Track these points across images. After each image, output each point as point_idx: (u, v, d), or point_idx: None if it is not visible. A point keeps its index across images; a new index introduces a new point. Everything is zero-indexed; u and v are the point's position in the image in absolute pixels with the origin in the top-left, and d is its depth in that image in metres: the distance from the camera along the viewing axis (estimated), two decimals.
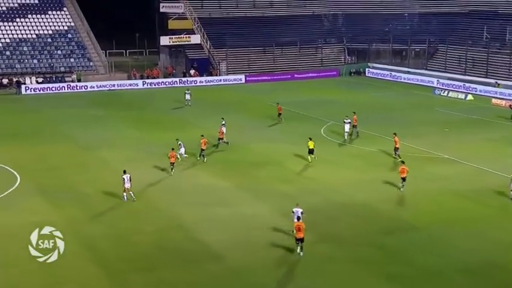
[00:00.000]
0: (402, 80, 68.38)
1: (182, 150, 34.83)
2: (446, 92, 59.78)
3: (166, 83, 66.06)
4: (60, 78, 64.33)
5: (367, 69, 74.06)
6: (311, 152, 34.81)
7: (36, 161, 34.86)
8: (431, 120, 46.39)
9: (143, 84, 65.33)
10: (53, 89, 61.43)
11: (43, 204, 27.71)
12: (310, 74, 72.72)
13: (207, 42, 72.66)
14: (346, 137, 40.14)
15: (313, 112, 50.12)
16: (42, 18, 70.09)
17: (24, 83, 61.87)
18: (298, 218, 23.24)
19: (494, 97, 56.30)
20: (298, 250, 22.87)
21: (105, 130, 43.33)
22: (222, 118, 40.82)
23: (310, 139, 35.27)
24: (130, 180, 28.31)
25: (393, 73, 70.26)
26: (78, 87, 62.41)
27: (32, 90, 60.73)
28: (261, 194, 29.64)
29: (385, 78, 70.63)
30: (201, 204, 28.30)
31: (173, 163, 32.67)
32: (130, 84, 64.94)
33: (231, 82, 68.36)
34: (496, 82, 59.71)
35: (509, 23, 67.74)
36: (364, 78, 72.42)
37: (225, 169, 33.61)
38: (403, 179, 29.78)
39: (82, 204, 27.99)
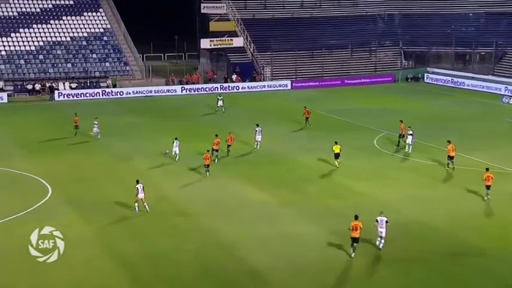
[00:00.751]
0: (465, 87, 67.24)
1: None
2: None
3: (207, 89, 66.80)
4: (94, 84, 65.89)
5: (425, 74, 73.16)
6: (337, 156, 36.30)
7: (69, 171, 35.69)
8: (499, 132, 45.47)
9: (182, 90, 66.25)
10: (87, 94, 62.93)
11: (74, 218, 28.25)
12: (363, 80, 72.31)
13: (250, 45, 73.15)
14: (408, 149, 39.84)
15: (365, 121, 49.88)
16: (77, 20, 71.99)
17: (58, 89, 63.62)
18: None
19: None
20: (351, 251, 24.27)
21: (141, 139, 44.02)
22: (257, 124, 41.16)
23: (336, 143, 36.73)
24: (143, 191, 28.70)
25: (455, 79, 69.16)
26: (113, 93, 63.73)
27: (66, 96, 62.35)
28: (309, 211, 29.55)
29: (446, 84, 69.57)
30: (243, 220, 28.40)
31: (208, 165, 34.47)
32: (168, 90, 65.95)
33: (275, 88, 68.62)
34: None
35: None
36: (423, 84, 71.49)
37: (268, 182, 33.66)
38: (488, 187, 30.20)
39: (116, 217, 28.43)
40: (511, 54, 70.32)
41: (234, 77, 70.19)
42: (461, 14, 79.10)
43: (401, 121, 41.86)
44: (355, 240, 24.30)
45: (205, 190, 32.45)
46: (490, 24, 75.63)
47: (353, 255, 24.18)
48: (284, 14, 78.94)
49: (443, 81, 70.41)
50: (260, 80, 70.56)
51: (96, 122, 44.05)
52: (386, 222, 24.89)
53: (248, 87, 68.24)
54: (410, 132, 40.07)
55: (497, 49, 71.33)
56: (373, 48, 77.17)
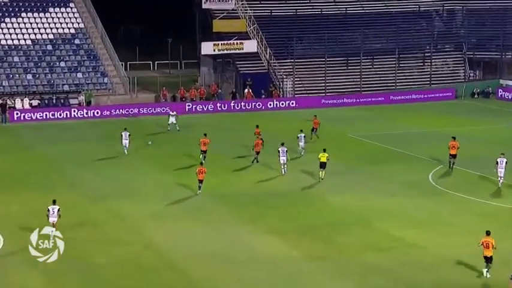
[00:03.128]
0: None
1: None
2: None
3: (209, 108, 66.94)
4: (62, 101, 66.37)
5: (498, 88, 72.89)
6: (322, 166, 40.59)
7: (26, 218, 35.50)
8: None
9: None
10: (53, 115, 63.33)
11: (35, 281, 27.99)
12: (414, 96, 72.44)
13: (266, 51, 73.54)
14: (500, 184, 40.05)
15: (418, 150, 49.66)
16: (41, 18, 72.89)
17: (13, 107, 64.06)
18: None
19: None
20: (485, 272, 27.52)
21: (122, 173, 44.04)
22: (282, 144, 42.84)
23: (324, 150, 40.87)
24: (59, 215, 29.44)
25: None
26: (87, 113, 64.10)
27: (24, 116, 62.77)
28: (344, 268, 29.15)
29: None
30: (253, 282, 28.05)
31: (201, 180, 37.85)
32: (159, 109, 66.04)
33: (301, 107, 68.70)
34: None
35: None
36: (494, 101, 71.39)
37: (292, 231, 33.38)
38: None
39: (92, 280, 28.18)
40: None
41: (245, 91, 70.41)
42: None
43: (454, 138, 43.68)
44: (488, 259, 27.69)
45: (202, 238, 32.18)
46: None
47: (488, 275, 27.52)
48: (310, 10, 79.62)
49: None
50: (279, 96, 70.67)
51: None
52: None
53: (265, 106, 68.17)
54: (504, 160, 39.65)
55: None
56: (427, 55, 77.36)
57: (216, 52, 72.44)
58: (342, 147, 49.48)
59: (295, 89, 72.07)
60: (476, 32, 78.99)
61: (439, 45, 79.08)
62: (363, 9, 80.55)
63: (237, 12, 74.94)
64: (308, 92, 72.00)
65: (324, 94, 71.36)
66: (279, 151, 42.60)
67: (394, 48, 75.06)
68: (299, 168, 44.71)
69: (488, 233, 28.20)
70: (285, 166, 42.73)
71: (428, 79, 75.77)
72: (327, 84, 72.70)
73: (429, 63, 76.77)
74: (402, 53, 75.79)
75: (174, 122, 57.19)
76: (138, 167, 45.63)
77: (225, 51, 72.44)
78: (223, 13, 74.29)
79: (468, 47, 77.65)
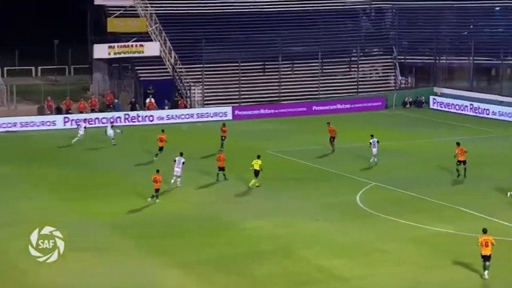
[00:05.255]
0: (490, 116, 69.14)
1: None
2: None
3: (103, 120, 66.54)
4: None
5: (432, 97, 74.85)
6: (256, 174, 43.90)
7: None
8: None
9: (64, 123, 65.79)
10: None
11: None
12: (339, 105, 73.56)
13: (171, 55, 73.61)
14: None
15: (344, 167, 50.46)
16: None
17: None
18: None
19: None
20: (485, 273, 30.78)
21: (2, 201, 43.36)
22: (181, 154, 45.04)
23: (259, 157, 44.49)
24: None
25: (476, 104, 71.04)
26: None
27: None
28: None
29: (463, 112, 71.41)
30: None
31: (158, 189, 41.44)
32: (42, 123, 65.32)
33: (209, 118, 68.93)
34: None
35: None
36: (428, 111, 73.18)
37: (202, 262, 33.45)
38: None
39: None
40: None
41: (147, 101, 70.25)
42: (483, 7, 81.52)
43: (459, 143, 47.42)
44: (486, 258, 30.84)
45: (97, 275, 32.01)
46: None
47: (486, 275, 30.64)
48: (222, 8, 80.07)
49: (457, 107, 72.24)
50: (185, 106, 70.81)
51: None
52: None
53: (168, 116, 68.32)
54: None
55: None
56: (354, 59, 78.67)
57: (112, 56, 71.98)
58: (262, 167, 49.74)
59: (205, 98, 72.30)
60: (407, 34, 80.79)
61: (367, 48, 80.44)
62: (282, 8, 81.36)
63: (136, 10, 74.84)
64: (219, 101, 72.25)
65: (238, 104, 71.79)
66: (175, 160, 44.30)
67: (316, 51, 76.01)
68: (211, 189, 45.01)
69: (485, 231, 31.52)
70: (179, 179, 44.39)
71: (355, 87, 77.01)
72: (241, 93, 73.23)
73: (356, 69, 78.05)
74: (326, 58, 76.78)
75: (113, 134, 57.47)
76: (26, 193, 44.94)
77: (122, 55, 72.03)
78: (119, 10, 74.04)
79: (399, 51, 79.38)
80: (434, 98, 74.65)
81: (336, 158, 53.52)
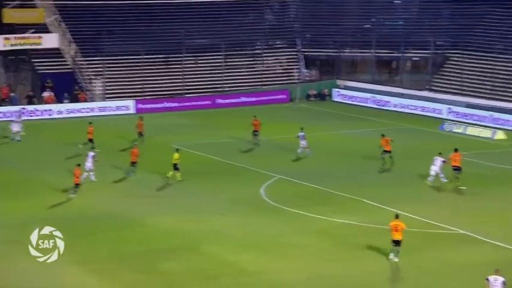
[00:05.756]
0: (392, 108, 70.46)
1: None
2: (462, 127, 61.97)
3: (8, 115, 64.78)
4: None
5: (334, 90, 75.80)
6: (176, 167, 44.79)
7: None
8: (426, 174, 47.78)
9: None
10: None
11: None
12: (244, 99, 73.80)
13: (70, 47, 72.57)
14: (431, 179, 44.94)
15: (248, 160, 50.89)
16: None
17: None
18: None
19: None
20: (392, 256, 32.28)
21: None
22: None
23: (177, 150, 45.45)
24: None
25: (378, 97, 72.24)
26: None
27: None
28: None
29: (365, 104, 72.51)
30: None
31: (78, 184, 41.36)
32: None
33: (111, 112, 68.33)
34: None
35: None
36: (331, 104, 74.02)
37: (104, 259, 33.21)
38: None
39: None
40: (455, 59, 74.45)
41: (45, 94, 69.05)
42: (384, 0, 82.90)
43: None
44: (396, 242, 32.09)
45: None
46: (427, 17, 79.87)
47: (396, 259, 32.14)
48: None
49: (360, 99, 73.28)
50: (86, 100, 69.91)
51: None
52: (504, 283, 27.63)
53: (67, 111, 67.37)
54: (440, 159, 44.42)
55: (436, 53, 75.36)
56: (258, 52, 78.96)
57: (8, 48, 70.54)
58: (163, 160, 49.60)
59: (106, 91, 71.54)
60: (311, 27, 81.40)
61: (271, 41, 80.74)
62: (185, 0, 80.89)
63: (33, 0, 73.47)
64: (121, 95, 71.59)
65: (140, 98, 71.30)
66: (87, 155, 44.76)
67: (220, 44, 76.09)
68: (120, 185, 44.76)
69: (396, 216, 32.65)
70: (91, 173, 44.53)
71: (260, 80, 77.40)
72: (144, 87, 72.73)
73: (260, 62, 78.43)
74: (230, 50, 76.78)
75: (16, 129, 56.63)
76: None
77: (19, 47, 70.69)
78: (16, 1, 72.61)
79: (303, 44, 80.00)
80: (337, 91, 75.50)
81: (241, 152, 53.72)
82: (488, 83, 69.52)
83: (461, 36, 74.83)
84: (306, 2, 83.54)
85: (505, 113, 62.88)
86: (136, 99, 70.45)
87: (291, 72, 79.48)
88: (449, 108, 66.42)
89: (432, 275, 31.87)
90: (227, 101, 73.00)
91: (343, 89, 75.65)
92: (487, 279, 27.80)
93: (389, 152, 48.65)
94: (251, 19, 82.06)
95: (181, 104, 71.48)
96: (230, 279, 31.44)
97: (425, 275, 31.94)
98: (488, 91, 68.87)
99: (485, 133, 59.84)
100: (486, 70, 70.46)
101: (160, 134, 58.63)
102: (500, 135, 59.12)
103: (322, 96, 75.73)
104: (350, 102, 73.76)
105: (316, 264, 33.04)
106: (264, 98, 74.32)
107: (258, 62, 78.55)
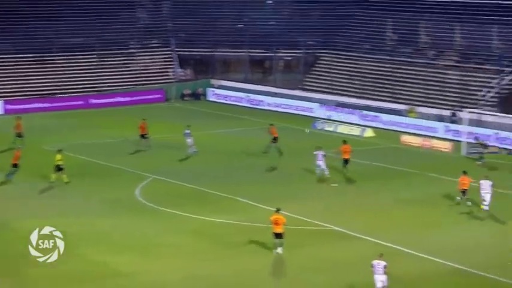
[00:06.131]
0: (266, 107, 71.13)
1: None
2: (333, 125, 63.14)
3: None
4: None
5: (209, 89, 75.97)
6: (59, 169, 43.94)
7: None
8: (305, 173, 48.29)
9: None
10: None
11: None
12: (119, 98, 73.30)
13: None
14: (318, 173, 45.86)
15: (123, 161, 50.59)
16: None
17: None
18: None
19: (405, 132, 60.39)
20: (279, 250, 32.92)
21: None
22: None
23: (60, 151, 44.71)
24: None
25: (251, 96, 72.84)
26: None
27: None
28: None
29: (239, 104, 73.02)
30: None
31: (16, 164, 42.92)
32: None
33: None
34: (411, 107, 64.15)
35: (424, 16, 73.47)
36: (206, 103, 74.32)
37: None
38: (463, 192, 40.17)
39: None
40: (326, 59, 75.89)
41: None
42: (257, 1, 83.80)
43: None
44: (277, 235, 32.90)
45: None
46: (298, 18, 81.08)
47: (279, 250, 32.85)
48: None
49: (234, 98, 73.78)
50: None
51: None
52: (385, 267, 29.00)
53: None
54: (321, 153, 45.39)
55: (307, 52, 76.57)
56: (132, 51, 78.41)
57: None
58: (34, 163, 48.73)
59: None
60: (185, 26, 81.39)
61: (145, 40, 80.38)
62: None
63: None
64: None
65: (9, 98, 69.65)
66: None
67: (94, 43, 75.13)
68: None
69: (277, 210, 33.51)
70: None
71: (135, 79, 76.88)
72: (15, 86, 71.21)
73: (134, 61, 77.88)
74: (103, 50, 76.17)
75: None
76: None
77: None
78: None
79: (177, 43, 79.93)
80: (212, 90, 75.82)
81: (115, 152, 53.38)
82: (357, 82, 71.26)
83: (331, 37, 76.52)
84: (179, 2, 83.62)
85: (374, 111, 64.44)
86: (4, 100, 68.72)
87: (166, 72, 79.31)
88: (320, 106, 67.47)
89: (311, 271, 32.30)
90: (101, 101, 72.31)
91: (218, 88, 76.07)
92: (372, 265, 29.16)
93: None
94: (124, 18, 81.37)
95: (53, 105, 70.30)
96: (105, 281, 31.10)
97: (304, 272, 32.34)
98: (357, 90, 70.60)
99: (356, 131, 61.12)
100: (355, 69, 72.31)
101: (30, 135, 57.26)
102: (369, 132, 60.53)
103: (197, 96, 75.90)
104: (225, 101, 74.19)
105: (193, 264, 33.04)
106: (139, 97, 74.06)
107: (133, 61, 78.05)
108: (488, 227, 38.34)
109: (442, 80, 67.41)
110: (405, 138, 57.89)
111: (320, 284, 31.31)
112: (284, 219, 33.31)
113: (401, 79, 69.11)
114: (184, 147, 52.56)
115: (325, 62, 75.52)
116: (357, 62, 72.20)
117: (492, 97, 63.30)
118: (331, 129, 62.40)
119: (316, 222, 38.41)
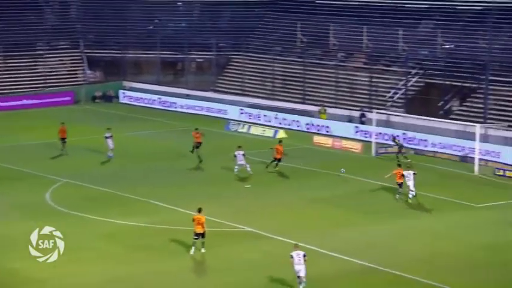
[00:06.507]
0: (178, 109, 71.14)
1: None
2: (246, 126, 63.61)
3: None
4: None
5: (120, 91, 75.65)
6: None
7: None
8: (220, 175, 48.92)
9: None
10: None
11: None
12: (25, 101, 72.29)
13: None
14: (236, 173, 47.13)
15: (32, 165, 50.01)
16: None
17: None
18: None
19: (316, 133, 61.21)
20: (193, 250, 33.51)
21: None
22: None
23: None
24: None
25: (164, 98, 72.74)
26: None
27: None
28: None
29: (152, 106, 72.82)
30: None
31: None
32: None
33: None
34: (323, 108, 65.05)
35: (333, 18, 74.56)
36: (118, 105, 73.89)
37: None
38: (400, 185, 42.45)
39: None
40: (237, 61, 76.28)
41: None
42: (166, 2, 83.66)
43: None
44: (198, 235, 33.46)
45: None
46: (207, 19, 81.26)
47: (202, 250, 33.59)
48: None
49: (146, 101, 73.51)
50: None
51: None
52: (304, 256, 29.70)
53: None
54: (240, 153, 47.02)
55: (219, 54, 76.88)
56: (40, 53, 77.33)
57: None
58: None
59: None
60: (94, 27, 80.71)
61: (54, 41, 79.28)
62: None
63: None
64: None
65: None
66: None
67: None
68: None
69: (199, 210, 33.89)
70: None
71: (43, 81, 75.81)
72: None
73: (42, 63, 76.82)
74: (9, 51, 74.84)
75: None
76: None
77: None
78: None
79: (86, 44, 79.13)
80: (123, 92, 75.39)
81: (24, 156, 52.73)
82: (269, 83, 71.86)
83: (242, 38, 76.91)
84: (88, 2, 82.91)
85: (286, 113, 65.12)
86: None
87: (75, 74, 78.42)
88: (233, 108, 67.84)
89: (222, 272, 32.63)
90: (7, 103, 71.15)
91: (130, 90, 75.66)
92: (291, 256, 29.81)
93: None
94: (30, 19, 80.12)
95: None
96: None
97: (215, 272, 32.72)
98: (269, 91, 71.22)
99: (268, 132, 61.66)
100: (266, 71, 72.81)
101: None
102: (281, 134, 61.02)
103: (108, 98, 75.34)
104: (137, 103, 73.86)
105: (106, 268, 32.94)
106: (48, 100, 73.01)
107: (40, 63, 76.95)
108: (398, 225, 39.30)
109: (351, 81, 68.54)
110: (317, 139, 58.66)
111: (231, 284, 31.64)
112: (204, 219, 33.88)
113: (312, 81, 69.92)
114: (98, 150, 52.21)
115: (237, 64, 75.89)
116: (268, 64, 72.74)
117: (399, 98, 64.71)
118: (244, 130, 62.81)
119: (229, 223, 38.71)
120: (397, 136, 54.45)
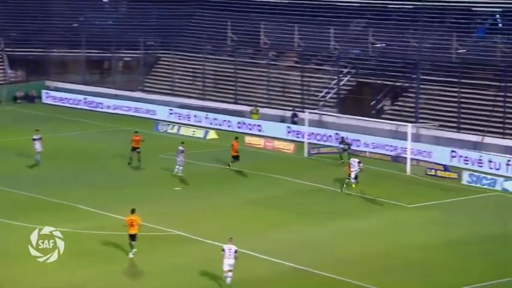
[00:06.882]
0: (105, 110, 70.53)
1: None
2: (175, 127, 63.34)
3: None
4: None
5: (44, 91, 74.65)
6: None
7: None
8: (145, 176, 48.80)
9: None
10: None
11: None
12: None
13: None
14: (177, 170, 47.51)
15: None
16: None
17: None
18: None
19: (248, 133, 61.25)
20: (131, 254, 33.74)
21: None
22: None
23: None
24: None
25: (90, 98, 72.02)
26: None
27: None
28: None
29: (77, 106, 72.09)
30: None
31: None
32: None
33: None
34: (255, 108, 65.08)
35: (263, 17, 74.66)
36: (41, 106, 72.88)
37: None
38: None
39: None
40: (166, 60, 75.99)
41: None
42: None
43: (137, 132, 50.26)
44: (132, 237, 33.45)
45: None
46: (135, 17, 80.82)
47: (132, 254, 33.60)
48: None
49: (71, 101, 72.68)
50: None
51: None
52: (236, 252, 30.43)
53: None
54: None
55: (147, 53, 76.41)
56: None
57: None
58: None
59: None
60: (15, 25, 79.52)
61: None
62: None
63: None
64: None
65: None
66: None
67: None
68: None
69: (132, 211, 34.03)
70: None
71: None
72: None
73: None
74: None
75: None
76: None
77: None
78: None
79: (7, 43, 77.91)
80: (47, 92, 74.44)
81: None
82: (199, 83, 71.68)
83: (171, 37, 76.55)
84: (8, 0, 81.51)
85: (216, 113, 65.04)
86: None
87: None
88: (162, 109, 67.52)
89: (155, 277, 32.57)
90: None
91: (53, 90, 74.77)
92: (223, 249, 30.49)
93: (137, 148, 49.56)
94: None
95: None
96: None
97: (143, 277, 32.63)
98: (199, 91, 71.03)
99: (198, 133, 61.55)
100: (196, 71, 72.59)
101: None
102: (212, 134, 61.07)
103: (30, 98, 74.28)
104: (61, 104, 72.98)
105: (40, 275, 32.36)
106: None
107: None
108: (331, 226, 39.65)
109: (283, 81, 68.73)
110: (249, 140, 58.63)
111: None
112: (139, 220, 33.96)
113: (243, 80, 69.93)
114: (24, 154, 51.41)
115: (166, 63, 75.56)
116: (199, 63, 72.49)
117: (331, 98, 65.10)
118: (174, 131, 62.51)
119: (159, 227, 38.49)
120: (347, 138, 54.19)
